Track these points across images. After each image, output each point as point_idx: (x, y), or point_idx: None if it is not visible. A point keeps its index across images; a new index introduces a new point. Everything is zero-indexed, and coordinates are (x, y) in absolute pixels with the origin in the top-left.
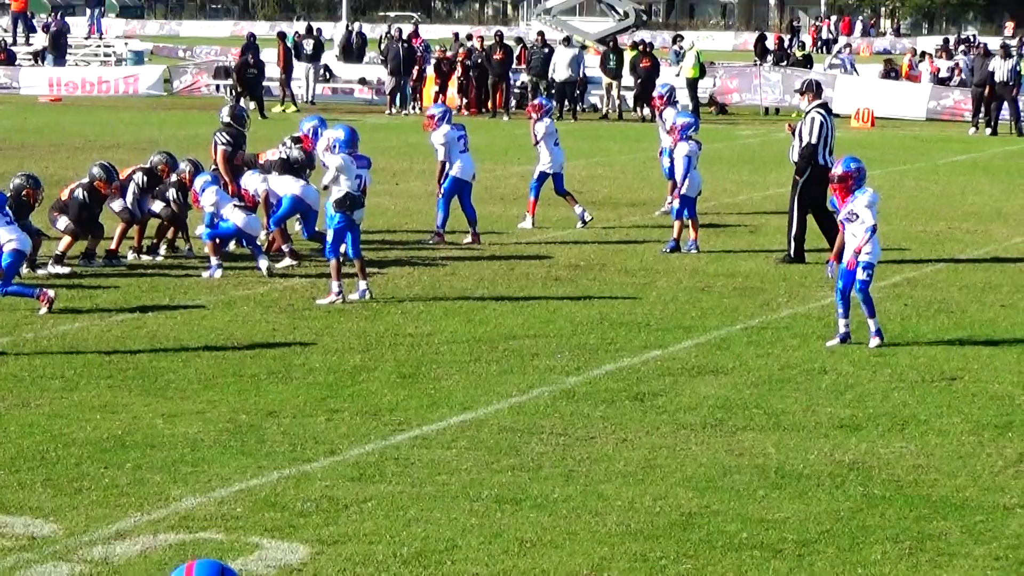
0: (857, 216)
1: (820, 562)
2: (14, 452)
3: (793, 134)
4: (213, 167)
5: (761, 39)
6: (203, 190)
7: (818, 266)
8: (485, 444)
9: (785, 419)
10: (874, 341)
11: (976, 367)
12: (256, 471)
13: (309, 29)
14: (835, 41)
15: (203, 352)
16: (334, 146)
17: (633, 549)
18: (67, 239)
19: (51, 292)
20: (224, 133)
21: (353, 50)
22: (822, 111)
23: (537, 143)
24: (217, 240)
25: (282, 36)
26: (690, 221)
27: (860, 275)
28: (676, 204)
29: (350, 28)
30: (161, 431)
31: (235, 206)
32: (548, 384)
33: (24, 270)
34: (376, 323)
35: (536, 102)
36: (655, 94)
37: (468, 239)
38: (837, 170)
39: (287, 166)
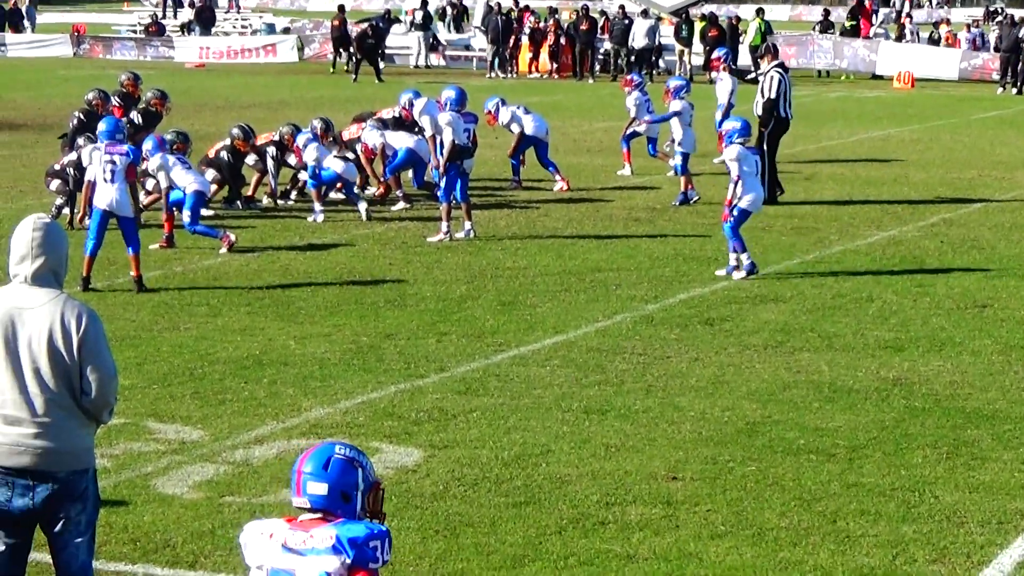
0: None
1: (868, 465)
2: (166, 369)
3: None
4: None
5: (826, 13)
6: (305, 146)
7: (865, 207)
8: (575, 362)
9: (837, 341)
10: (737, 274)
11: (1004, 296)
12: (376, 385)
13: (424, 2)
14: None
15: (329, 283)
16: (446, 104)
17: (704, 453)
18: (214, 187)
19: (232, 235)
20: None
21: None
22: (780, 70)
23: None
24: (322, 188)
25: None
26: (684, 177)
27: (727, 218)
28: (678, 162)
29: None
30: (293, 351)
31: (335, 156)
32: (629, 311)
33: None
34: (479, 258)
35: (629, 77)
36: (713, 56)
37: (558, 186)
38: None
39: (400, 123)
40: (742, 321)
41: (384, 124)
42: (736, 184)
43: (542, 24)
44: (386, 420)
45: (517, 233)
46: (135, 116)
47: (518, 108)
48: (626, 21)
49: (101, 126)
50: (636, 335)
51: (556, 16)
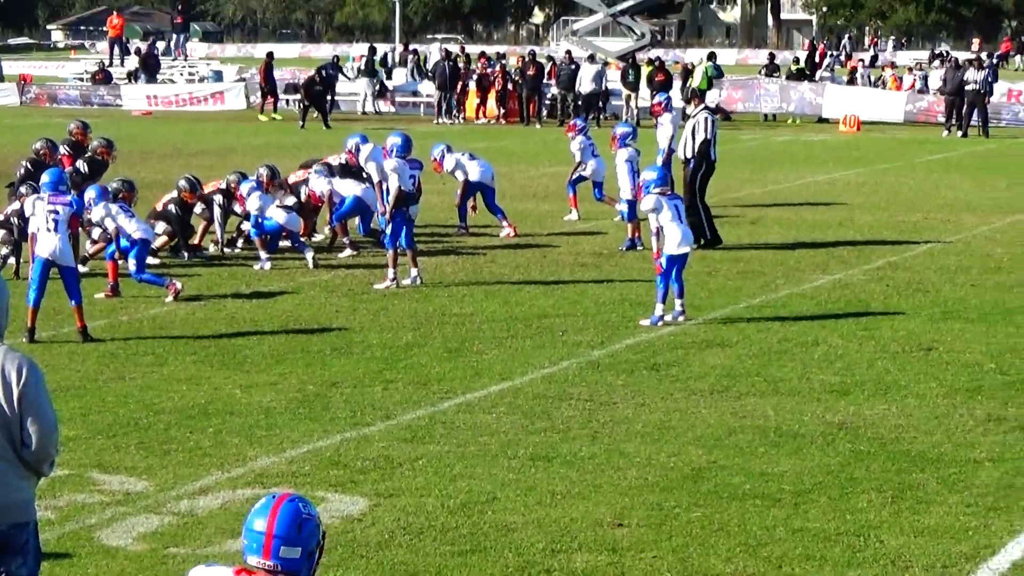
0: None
1: (814, 510)
2: (111, 419)
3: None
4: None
5: (771, 56)
6: (248, 195)
7: (811, 251)
8: (521, 409)
9: (783, 385)
10: (663, 319)
11: (950, 339)
12: (322, 434)
13: (371, 49)
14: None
15: (275, 331)
16: (391, 150)
17: (650, 500)
18: (163, 238)
19: (178, 283)
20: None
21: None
22: (707, 113)
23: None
24: (266, 236)
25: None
26: (631, 223)
27: (660, 270)
28: (624, 208)
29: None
30: (239, 400)
31: (278, 206)
32: (576, 357)
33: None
34: (426, 304)
35: (572, 123)
36: (654, 101)
37: (504, 232)
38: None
39: (347, 169)
40: (688, 366)
41: (331, 170)
42: (658, 234)
43: (489, 70)
44: (332, 469)
45: (464, 279)
46: (81, 165)
47: (463, 155)
48: (573, 66)
49: (44, 177)
50: (582, 381)
51: (503, 62)
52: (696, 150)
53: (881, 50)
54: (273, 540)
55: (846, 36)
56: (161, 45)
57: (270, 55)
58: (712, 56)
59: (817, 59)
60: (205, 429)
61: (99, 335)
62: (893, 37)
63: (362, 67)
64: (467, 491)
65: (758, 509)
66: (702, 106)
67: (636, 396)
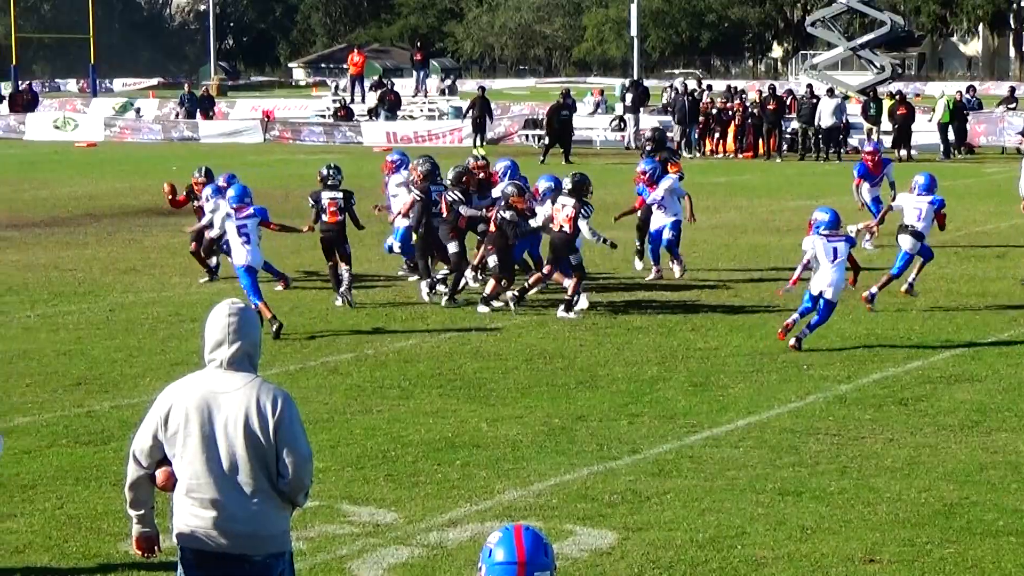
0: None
1: None
2: (359, 451)
3: None
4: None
5: (1011, 90)
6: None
7: None
8: (768, 443)
9: None
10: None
11: None
12: (568, 467)
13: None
14: None
15: (520, 364)
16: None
17: (902, 535)
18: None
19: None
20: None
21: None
22: None
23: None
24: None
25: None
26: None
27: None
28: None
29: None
30: (485, 433)
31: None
32: (822, 391)
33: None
34: (670, 339)
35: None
36: (639, 169)
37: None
38: None
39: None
40: (936, 401)
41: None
42: (807, 266)
43: (728, 104)
44: (580, 502)
45: (708, 313)
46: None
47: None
48: (813, 100)
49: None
50: (829, 416)
51: (742, 97)
52: None
53: None
54: (525, 568)
55: None
56: (400, 82)
57: (482, 88)
58: (971, 89)
59: None
60: (452, 462)
61: (345, 369)
62: None
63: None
64: (716, 525)
65: (1012, 547)
66: None
67: (884, 431)
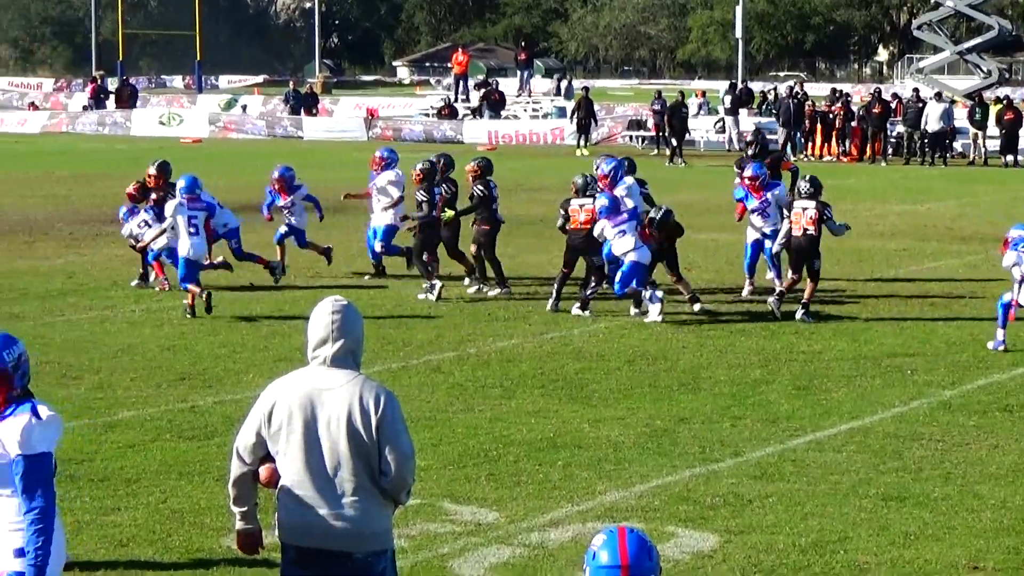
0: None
1: None
2: (461, 450)
3: None
4: None
5: None
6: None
7: None
8: (871, 448)
9: None
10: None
11: None
12: (671, 469)
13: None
14: None
15: (622, 365)
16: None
17: (1007, 543)
18: None
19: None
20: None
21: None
22: None
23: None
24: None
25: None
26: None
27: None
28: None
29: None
30: (587, 434)
31: None
32: (926, 396)
33: None
34: (773, 342)
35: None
36: (746, 175)
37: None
38: None
39: None
40: None
41: None
42: (1021, 284)
43: (832, 107)
44: (681, 504)
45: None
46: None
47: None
48: (919, 104)
49: None
50: (934, 421)
51: (847, 99)
52: None
53: None
54: (629, 571)
55: None
56: (504, 81)
57: (586, 89)
58: None
59: None
60: (554, 462)
61: (448, 368)
62: None
63: (727, 105)
64: (818, 530)
65: None
66: None
67: (989, 437)
